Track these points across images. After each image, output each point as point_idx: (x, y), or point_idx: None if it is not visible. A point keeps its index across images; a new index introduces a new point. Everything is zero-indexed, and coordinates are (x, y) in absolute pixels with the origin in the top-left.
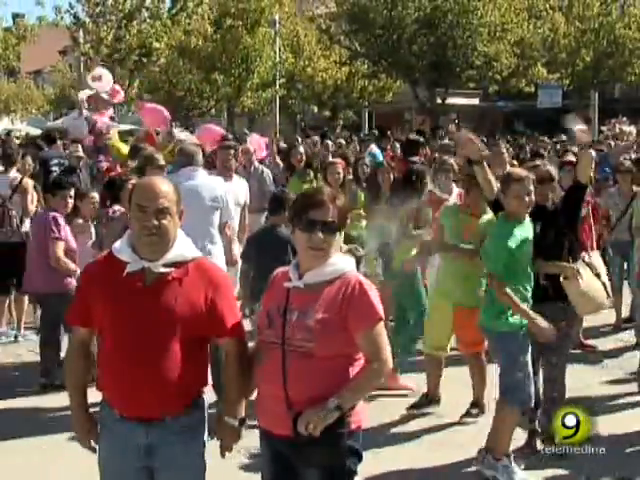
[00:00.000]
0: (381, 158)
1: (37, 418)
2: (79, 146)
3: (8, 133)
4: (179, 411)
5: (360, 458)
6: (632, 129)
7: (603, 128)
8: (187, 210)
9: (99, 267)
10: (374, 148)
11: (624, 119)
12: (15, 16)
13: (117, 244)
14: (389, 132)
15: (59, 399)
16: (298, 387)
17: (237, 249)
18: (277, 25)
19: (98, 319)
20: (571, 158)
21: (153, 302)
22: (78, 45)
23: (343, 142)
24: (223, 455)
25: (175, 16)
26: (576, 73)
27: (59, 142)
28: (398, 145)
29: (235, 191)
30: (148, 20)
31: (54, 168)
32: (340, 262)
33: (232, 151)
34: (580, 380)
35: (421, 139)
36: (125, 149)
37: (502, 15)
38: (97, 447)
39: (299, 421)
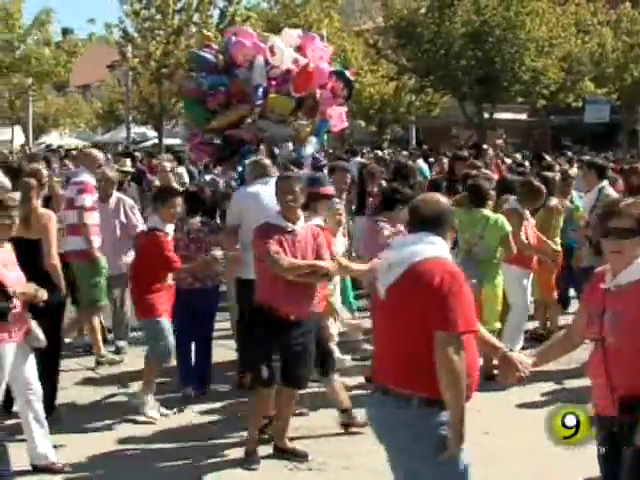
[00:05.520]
0: (428, 173)
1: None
2: (127, 160)
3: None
4: None
5: None
6: None
7: None
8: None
9: None
10: (421, 163)
11: None
12: (64, 31)
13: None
14: (429, 149)
15: None
16: (617, 376)
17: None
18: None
19: None
20: None
21: None
22: (126, 60)
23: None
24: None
25: (223, 31)
26: (624, 88)
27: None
28: (445, 160)
29: None
30: (196, 35)
31: None
32: None
33: (349, 175)
34: None
35: (466, 154)
36: None
37: (550, 30)
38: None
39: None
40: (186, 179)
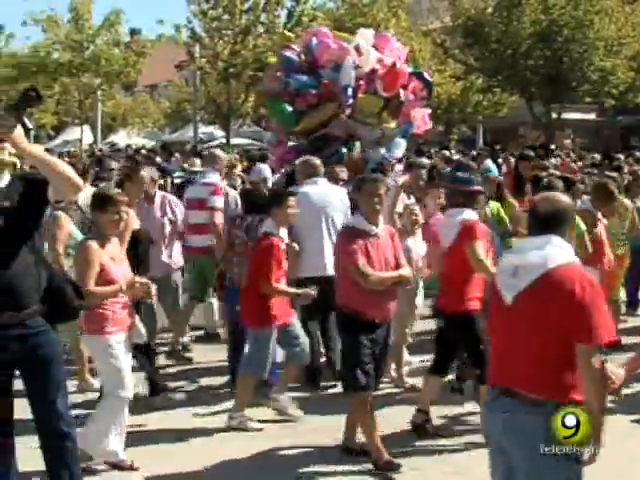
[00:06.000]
0: (496, 173)
1: None
2: (197, 160)
3: (113, 147)
4: None
5: None
6: None
7: None
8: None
9: None
10: (488, 163)
11: None
12: (132, 32)
13: None
14: (502, 149)
15: None
16: None
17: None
18: None
19: None
20: None
21: None
22: (194, 60)
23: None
24: None
25: (290, 31)
26: None
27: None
28: (512, 160)
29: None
30: (264, 35)
31: (177, 180)
32: None
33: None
34: None
35: (532, 154)
36: None
37: (619, 29)
38: None
39: None
40: (269, 174)
